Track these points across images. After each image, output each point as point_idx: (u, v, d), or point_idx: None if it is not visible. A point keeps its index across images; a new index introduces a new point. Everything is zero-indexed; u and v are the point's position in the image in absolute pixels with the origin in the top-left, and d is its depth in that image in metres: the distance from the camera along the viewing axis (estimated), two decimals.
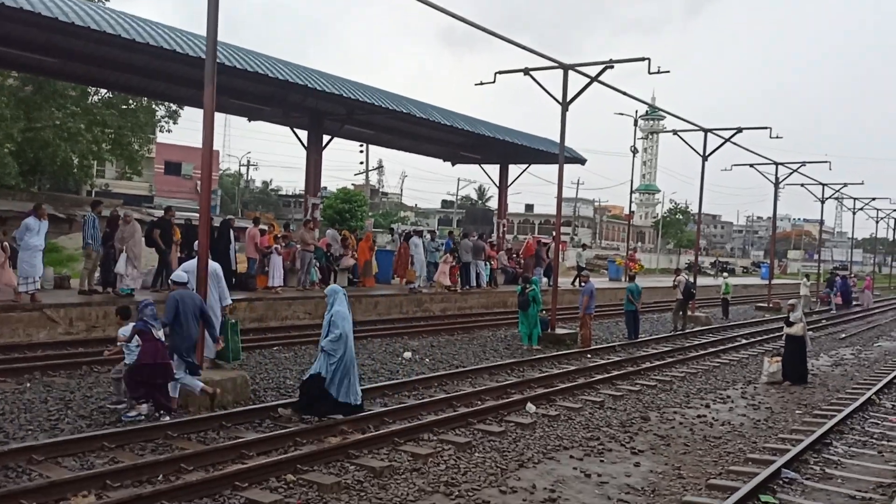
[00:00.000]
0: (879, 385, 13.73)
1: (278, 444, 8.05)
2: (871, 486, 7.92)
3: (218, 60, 10.60)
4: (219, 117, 10.31)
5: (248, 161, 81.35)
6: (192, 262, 10.53)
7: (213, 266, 10.64)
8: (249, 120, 24.14)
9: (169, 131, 40.05)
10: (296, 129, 23.43)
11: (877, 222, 60.70)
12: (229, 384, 9.95)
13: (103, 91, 33.62)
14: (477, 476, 7.61)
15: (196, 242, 11.56)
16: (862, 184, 41.46)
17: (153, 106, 36.33)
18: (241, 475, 6.87)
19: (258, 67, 17.34)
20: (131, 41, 14.79)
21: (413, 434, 8.78)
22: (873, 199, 51.13)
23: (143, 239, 15.89)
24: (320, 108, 22.40)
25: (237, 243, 18.40)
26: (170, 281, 10.58)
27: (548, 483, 7.58)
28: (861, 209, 52.64)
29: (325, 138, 23.52)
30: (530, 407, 10.58)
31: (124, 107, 35.79)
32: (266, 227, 19.27)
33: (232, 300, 11.34)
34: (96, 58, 17.33)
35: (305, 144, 23.28)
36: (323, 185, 26.24)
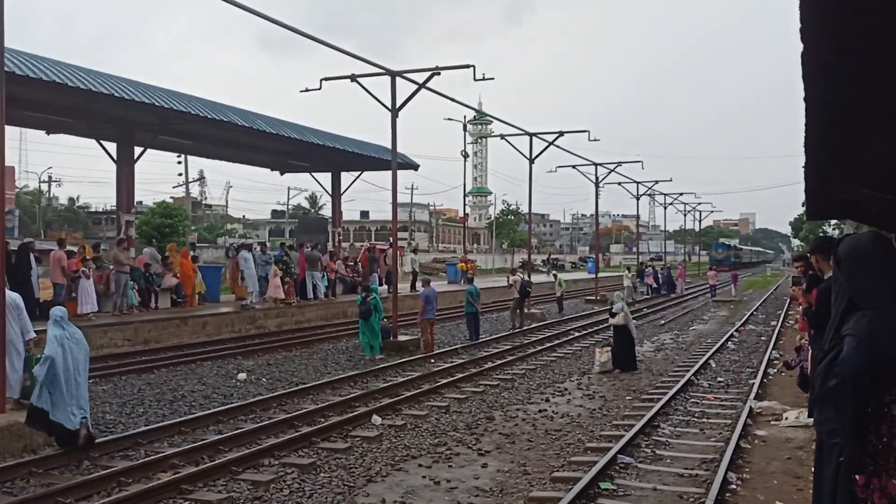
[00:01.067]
0: (696, 367, 14.84)
1: (100, 487, 7.29)
2: (696, 463, 8.44)
3: (7, 69, 9.50)
4: (13, 131, 9.24)
5: (50, 177, 74.29)
6: None
7: (12, 296, 9.56)
8: (48, 133, 22.06)
9: None
10: (103, 142, 21.67)
11: (685, 215, 66.47)
12: None
13: None
14: (323, 497, 7.29)
15: None
16: (671, 181, 45.28)
17: None
18: None
19: (56, 76, 15.83)
20: None
21: (252, 461, 8.27)
22: (681, 194, 55.94)
23: None
24: (130, 119, 20.85)
25: (40, 268, 16.71)
26: None
27: (397, 495, 7.40)
28: (671, 204, 57.39)
29: (137, 150, 21.96)
30: (376, 419, 10.36)
31: None
32: (74, 249, 17.68)
33: (36, 332, 10.20)
34: None
35: (114, 158, 21.60)
36: (138, 199, 24.61)
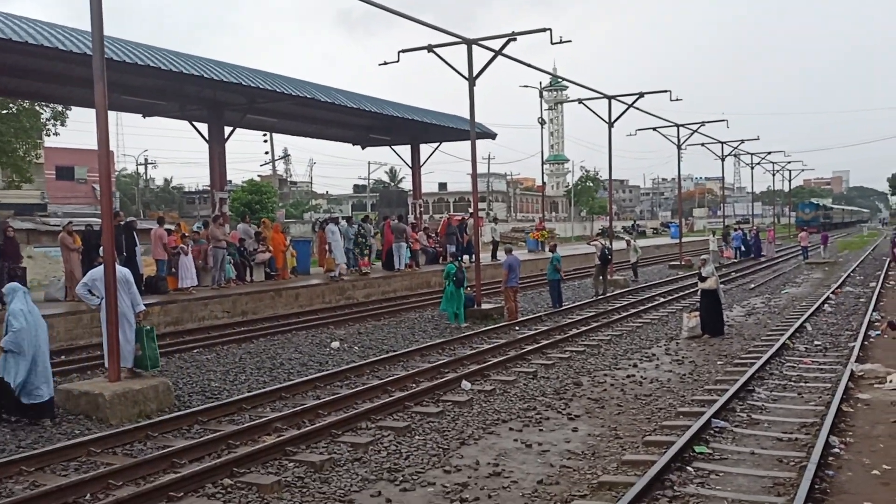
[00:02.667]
0: (791, 330, 14.41)
1: (210, 449, 7.74)
2: (795, 427, 8.28)
3: (105, 55, 10.00)
4: (110, 115, 9.73)
5: (146, 159, 78.10)
6: (99, 270, 9.98)
7: (123, 272, 10.16)
8: (144, 116, 23.01)
9: (56, 134, 37.96)
10: (195, 123, 22.50)
11: (773, 175, 63.94)
12: (151, 392, 9.55)
13: None
14: (420, 459, 7.54)
15: (101, 248, 10.95)
16: (758, 139, 43.49)
17: (37, 108, 34.33)
18: (175, 485, 6.56)
19: (149, 60, 16.52)
20: (7, 40, 13.79)
21: (350, 424, 8.61)
22: (769, 153, 53.73)
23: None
24: (219, 99, 21.59)
25: (142, 245, 17.59)
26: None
27: (491, 457, 7.58)
28: (758, 164, 55.24)
29: (227, 130, 22.72)
30: (465, 384, 10.57)
31: (4, 111, 33.69)
32: (172, 227, 18.53)
33: (145, 305, 10.84)
34: None
35: (206, 137, 22.41)
36: (228, 178, 25.39)
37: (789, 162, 62.98)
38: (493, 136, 30.28)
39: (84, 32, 14.94)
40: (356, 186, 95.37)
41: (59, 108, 34.61)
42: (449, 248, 25.45)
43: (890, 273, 26.61)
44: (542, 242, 34.61)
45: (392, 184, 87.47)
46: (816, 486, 6.32)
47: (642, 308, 18.99)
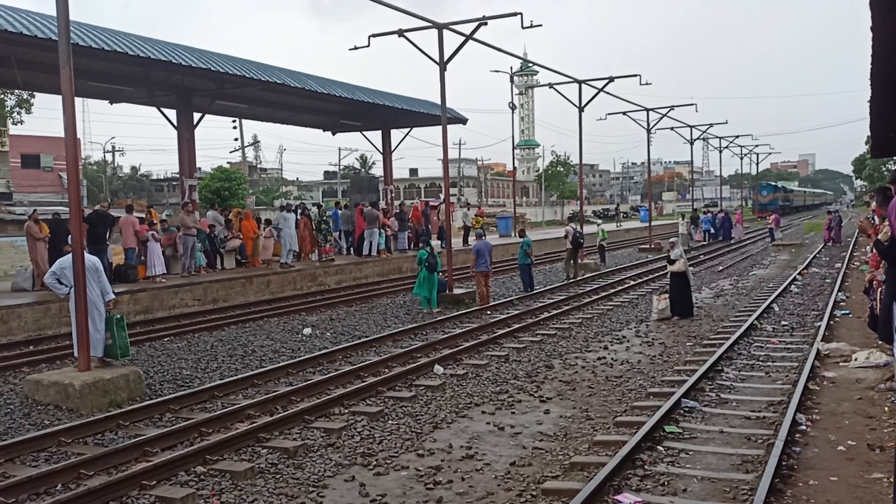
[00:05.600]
0: (759, 311, 14.67)
1: (183, 437, 7.71)
2: (763, 405, 8.46)
3: (72, 41, 9.80)
4: (77, 102, 9.55)
5: (114, 147, 76.90)
6: (68, 258, 9.84)
7: (92, 260, 10.03)
8: (111, 103, 22.62)
9: (21, 122, 37.24)
10: (163, 109, 22.20)
11: (741, 158, 64.75)
12: (122, 381, 9.46)
13: None
14: (393, 443, 7.58)
15: (70, 237, 10.78)
16: (726, 123, 44.02)
17: (1, 96, 33.62)
18: (148, 473, 6.53)
19: (116, 45, 16.21)
20: None
21: (323, 410, 8.62)
22: (737, 136, 54.32)
23: None
24: (188, 85, 21.31)
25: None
26: None
27: (464, 441, 7.64)
28: (726, 147, 55.92)
29: (196, 116, 22.42)
30: (438, 369, 10.62)
31: None
32: (142, 215, 18.30)
33: (114, 294, 10.71)
34: None
35: (175, 124, 22.11)
36: (197, 165, 25.07)
37: (757, 146, 63.92)
38: (464, 121, 30.26)
39: (49, 17, 14.63)
40: (327, 173, 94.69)
41: (24, 94, 33.93)
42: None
43: (854, 254, 27.16)
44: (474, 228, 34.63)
45: (363, 170, 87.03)
46: (784, 463, 6.48)
47: (612, 291, 19.19)
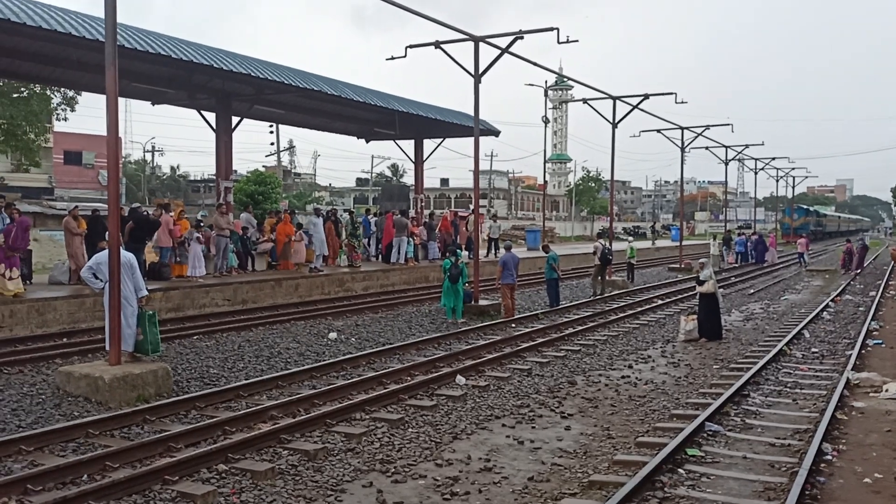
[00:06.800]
0: (789, 336, 14.45)
1: (207, 435, 7.83)
2: (788, 433, 8.34)
3: (118, 43, 10.07)
4: (120, 102, 9.82)
5: (153, 147, 78.40)
6: (104, 254, 10.07)
7: (127, 256, 10.24)
8: (153, 104, 23.11)
9: (66, 119, 38.10)
10: (203, 112, 22.62)
11: (777, 181, 63.83)
12: (150, 377, 9.64)
13: None
14: (412, 451, 7.62)
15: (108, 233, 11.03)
16: (762, 144, 43.47)
17: (48, 93, 34.45)
18: (171, 469, 6.64)
19: (160, 48, 16.60)
20: (21, 24, 13.86)
21: (345, 414, 8.69)
22: (773, 158, 53.54)
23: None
24: (228, 89, 21.68)
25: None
26: None
27: (482, 453, 7.65)
28: (762, 169, 55.13)
29: (234, 120, 22.80)
30: (460, 379, 10.64)
31: (15, 95, 33.79)
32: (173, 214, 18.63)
33: (148, 290, 10.93)
34: None
35: (214, 127, 22.51)
36: (234, 167, 25.49)
37: (793, 168, 62.84)
38: (496, 133, 30.33)
39: (97, 19, 15.05)
40: (359, 180, 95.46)
41: (70, 93, 34.73)
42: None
43: (890, 283, 26.64)
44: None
45: (394, 178, 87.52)
46: (807, 493, 6.39)
47: (640, 310, 19.04)
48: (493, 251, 30.00)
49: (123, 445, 7.32)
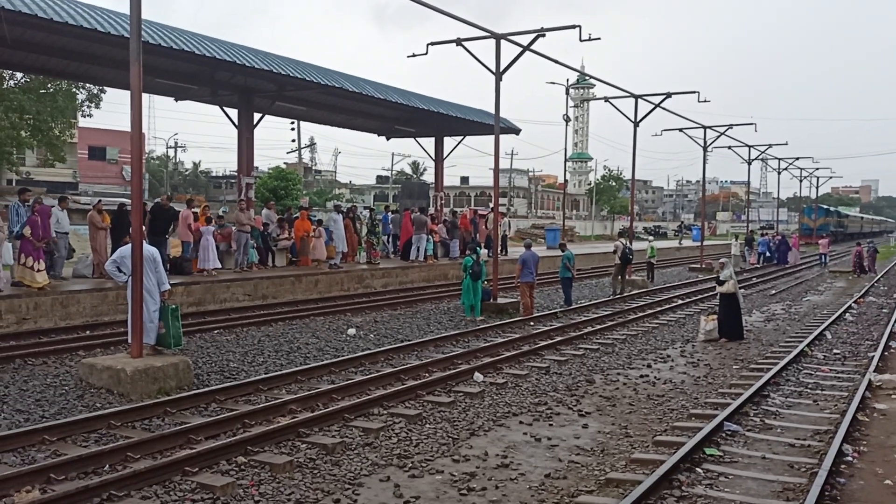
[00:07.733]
0: (810, 338, 14.31)
1: (226, 427, 7.91)
2: (808, 434, 8.27)
3: (142, 39, 10.18)
4: (144, 98, 9.96)
5: (176, 143, 79.12)
6: (128, 248, 10.20)
7: (151, 251, 10.36)
8: (176, 100, 23.34)
9: (90, 115, 38.63)
10: (225, 108, 22.80)
11: (800, 181, 63.07)
12: (171, 370, 9.75)
13: (19, 75, 32.04)
14: (429, 447, 7.65)
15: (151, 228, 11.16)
16: (786, 144, 43.02)
17: (73, 89, 34.92)
18: (191, 460, 6.73)
19: (184, 45, 16.75)
20: (48, 20, 14.07)
21: (363, 409, 8.75)
22: (797, 158, 52.93)
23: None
24: (250, 86, 21.84)
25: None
26: None
27: (499, 449, 7.66)
28: (785, 169, 54.51)
29: (256, 116, 22.96)
30: (478, 376, 10.66)
31: (42, 91, 34.27)
32: (196, 210, 18.80)
33: (170, 285, 11.05)
34: (11, 40, 16.41)
35: (236, 123, 22.69)
36: (255, 164, 25.68)
37: (817, 168, 62.01)
38: (517, 131, 30.27)
39: (122, 15, 15.22)
40: (379, 177, 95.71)
41: (95, 89, 35.19)
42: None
43: None
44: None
45: (415, 176, 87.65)
46: (826, 493, 6.34)
47: (659, 309, 18.95)
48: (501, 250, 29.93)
49: (144, 437, 7.42)
